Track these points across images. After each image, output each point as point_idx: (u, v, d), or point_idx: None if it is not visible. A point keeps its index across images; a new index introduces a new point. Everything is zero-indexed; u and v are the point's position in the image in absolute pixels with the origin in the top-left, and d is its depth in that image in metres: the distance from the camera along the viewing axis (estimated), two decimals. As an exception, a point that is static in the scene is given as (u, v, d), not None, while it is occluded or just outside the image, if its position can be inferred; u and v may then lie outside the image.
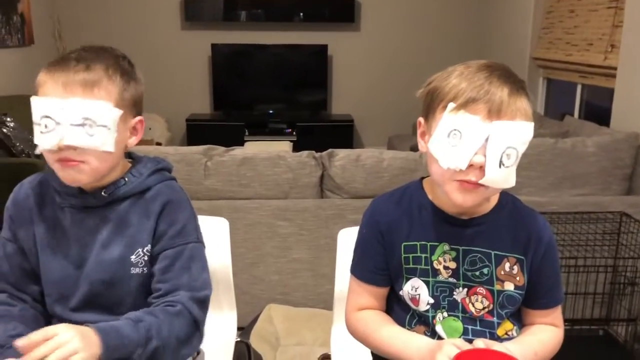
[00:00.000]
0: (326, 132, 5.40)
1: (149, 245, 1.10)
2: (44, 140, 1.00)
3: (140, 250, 1.09)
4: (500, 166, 0.94)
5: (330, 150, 2.46)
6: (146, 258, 1.10)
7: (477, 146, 0.94)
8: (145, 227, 1.10)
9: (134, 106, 1.09)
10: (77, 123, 0.99)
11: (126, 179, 1.10)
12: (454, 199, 0.99)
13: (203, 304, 1.11)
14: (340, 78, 5.73)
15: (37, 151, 1.02)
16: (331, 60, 5.65)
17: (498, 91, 0.94)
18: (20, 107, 4.36)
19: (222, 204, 2.36)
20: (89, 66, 1.02)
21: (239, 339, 1.44)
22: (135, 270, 1.09)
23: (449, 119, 0.96)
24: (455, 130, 0.95)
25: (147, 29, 5.48)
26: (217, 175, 2.37)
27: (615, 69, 3.21)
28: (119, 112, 1.03)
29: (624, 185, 2.54)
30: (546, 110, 4.47)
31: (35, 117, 1.00)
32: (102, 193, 1.09)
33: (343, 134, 5.40)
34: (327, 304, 2.42)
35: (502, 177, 0.95)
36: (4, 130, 3.75)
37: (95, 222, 1.09)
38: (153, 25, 5.50)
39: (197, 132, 5.28)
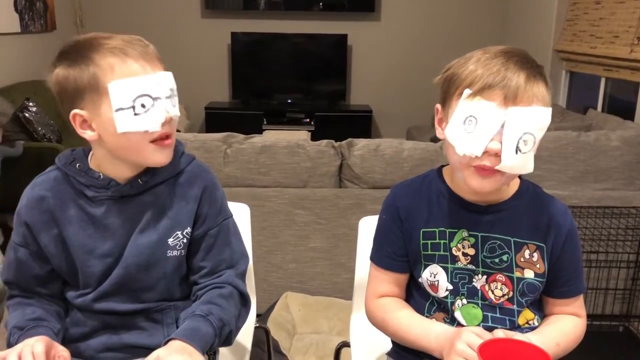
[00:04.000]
0: (344, 123, 5.38)
1: (189, 228, 1.10)
2: (148, 120, 0.97)
3: (179, 232, 1.09)
4: (516, 152, 0.93)
5: (349, 139, 2.45)
6: (185, 240, 1.10)
7: (493, 132, 0.93)
8: (185, 210, 1.10)
9: None
10: (168, 95, 1.00)
11: None
12: (471, 184, 0.99)
13: (244, 275, 1.17)
14: (359, 68, 5.70)
15: (153, 128, 0.98)
16: (350, 50, 5.62)
17: (514, 77, 0.94)
18: (42, 92, 4.41)
19: (240, 192, 2.37)
20: (146, 41, 1.03)
21: (257, 325, 1.44)
22: (173, 253, 1.10)
23: (464, 106, 0.96)
24: (471, 116, 0.95)
25: (168, 17, 5.49)
26: (236, 163, 2.38)
27: (641, 62, 3.15)
28: None
29: (648, 181, 2.50)
30: (568, 104, 4.40)
31: (124, 101, 0.96)
32: (139, 181, 1.07)
33: (361, 125, 5.37)
34: (343, 293, 2.42)
35: (519, 163, 0.95)
36: (27, 114, 3.80)
37: (134, 210, 1.08)
38: (174, 13, 5.51)
39: (215, 120, 5.30)
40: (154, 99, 0.98)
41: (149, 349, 0.99)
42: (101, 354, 1.09)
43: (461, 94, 0.97)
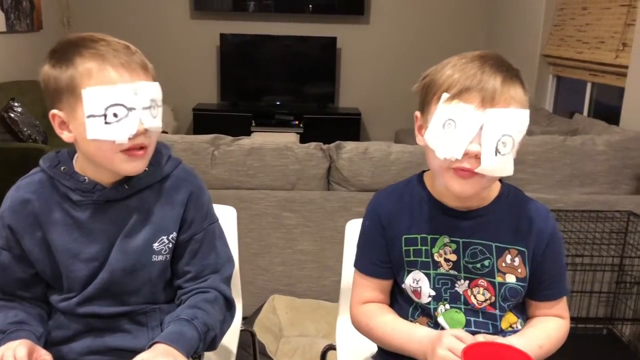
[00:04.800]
0: (333, 125, 5.39)
1: (175, 233, 1.10)
2: (118, 130, 0.95)
3: (164, 237, 1.09)
4: (496, 154, 0.94)
5: (337, 142, 2.45)
6: (170, 245, 1.10)
7: (472, 135, 0.94)
8: (170, 215, 1.09)
9: None
10: (147, 106, 0.98)
11: (146, 168, 1.08)
12: (452, 188, 0.99)
13: (230, 280, 1.17)
14: (348, 71, 5.71)
15: (120, 139, 0.95)
16: (340, 52, 5.63)
17: (491, 80, 0.95)
18: (27, 93, 4.38)
19: (228, 194, 2.36)
20: (134, 49, 1.01)
21: (243, 328, 1.44)
22: (158, 258, 1.09)
23: (443, 109, 0.96)
24: (449, 120, 0.95)
25: (157, 17, 5.47)
26: (224, 165, 2.37)
27: (626, 67, 3.18)
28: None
29: (633, 185, 2.52)
30: (555, 108, 4.44)
31: (96, 108, 0.95)
32: (125, 186, 1.06)
33: (350, 127, 5.38)
34: (330, 296, 2.42)
35: (498, 166, 0.95)
36: (12, 115, 3.76)
37: (119, 214, 1.07)
38: (162, 13, 5.49)
39: (203, 122, 5.28)
40: (129, 109, 0.96)
41: (133, 352, 0.98)
42: (84, 357, 1.08)
43: (439, 98, 0.97)
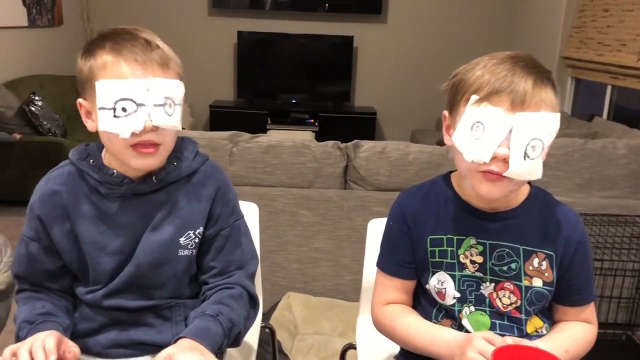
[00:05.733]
0: (348, 124, 5.38)
1: (201, 228, 1.10)
2: (125, 125, 0.95)
3: (191, 232, 1.09)
4: (525, 158, 0.93)
5: (355, 141, 2.44)
6: (197, 240, 1.10)
7: (500, 138, 0.93)
8: (197, 210, 1.10)
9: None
10: (160, 103, 0.97)
11: (175, 163, 1.09)
12: (480, 191, 0.98)
13: (254, 276, 1.18)
14: (365, 70, 5.70)
15: (123, 134, 0.96)
16: (356, 51, 5.62)
17: (522, 82, 0.94)
18: (48, 87, 4.43)
19: (245, 190, 2.36)
20: (157, 45, 1.00)
21: (263, 324, 1.44)
22: (184, 252, 1.09)
23: (471, 112, 0.95)
24: (478, 122, 0.94)
25: (175, 14, 5.50)
26: (242, 162, 2.38)
27: (649, 70, 3.15)
28: (184, 90, 1.03)
29: (654, 190, 2.49)
30: (574, 111, 4.40)
31: (106, 101, 0.95)
32: (153, 179, 1.07)
33: (365, 127, 5.37)
34: (346, 294, 2.41)
35: (527, 169, 0.94)
36: (32, 108, 3.80)
37: (147, 208, 1.07)
38: (180, 10, 5.52)
39: (220, 119, 5.30)
40: (138, 104, 0.95)
41: (157, 346, 0.99)
42: (109, 350, 1.09)
43: (468, 100, 0.96)
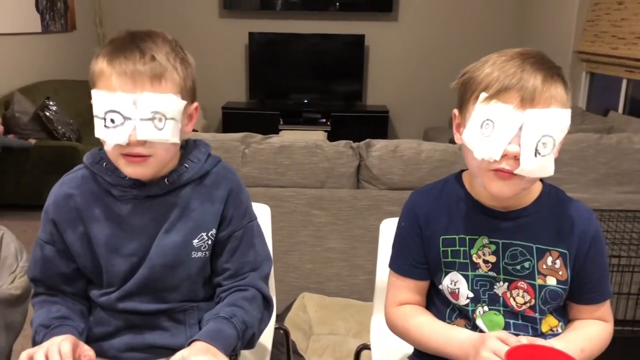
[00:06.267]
0: (361, 123, 5.37)
1: (214, 229, 1.10)
2: (112, 136, 0.97)
3: (204, 234, 1.10)
4: (536, 155, 0.92)
5: (367, 140, 2.44)
6: (209, 242, 1.10)
7: (511, 136, 0.92)
8: (210, 212, 1.10)
9: (192, 92, 1.07)
10: (147, 117, 0.97)
11: (187, 165, 1.09)
12: (491, 189, 0.97)
13: (268, 278, 1.18)
14: (377, 68, 5.69)
15: (107, 147, 1.00)
16: (368, 50, 5.61)
17: (531, 78, 0.93)
18: (62, 92, 4.47)
19: (258, 192, 2.37)
20: (153, 56, 0.98)
21: (277, 326, 1.44)
22: (197, 255, 1.10)
23: (481, 109, 0.95)
24: (488, 120, 0.94)
25: (186, 17, 5.53)
26: (254, 163, 2.38)
27: (664, 63, 3.10)
28: (183, 103, 1.01)
29: (671, 184, 2.46)
30: (588, 106, 4.35)
31: (99, 111, 0.97)
32: (165, 181, 1.07)
33: (378, 125, 5.36)
34: (360, 294, 2.41)
35: (538, 167, 0.93)
36: (47, 113, 3.85)
37: (159, 210, 1.08)
38: (191, 12, 5.55)
39: (232, 120, 5.32)
40: (125, 117, 0.96)
41: (172, 349, 0.99)
42: (124, 354, 1.10)
43: (477, 97, 0.96)
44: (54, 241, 1.09)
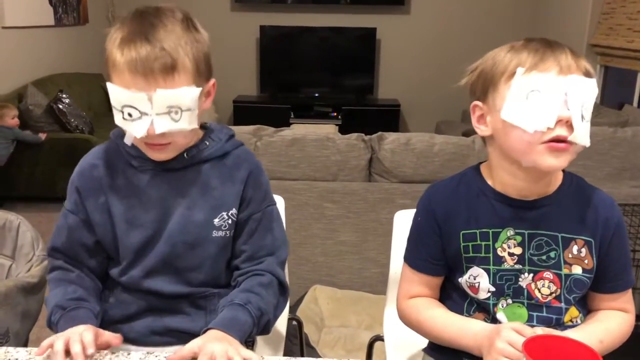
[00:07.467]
0: (372, 117, 5.36)
1: (235, 209, 1.10)
2: (131, 129, 0.98)
3: (224, 213, 1.10)
4: (582, 120, 0.92)
5: (380, 133, 2.43)
6: (230, 222, 1.11)
7: (560, 101, 0.92)
8: (231, 191, 1.10)
9: (207, 71, 1.07)
10: (163, 112, 0.97)
11: (207, 142, 1.10)
12: (545, 164, 0.95)
13: (284, 264, 1.17)
14: (388, 62, 5.66)
15: (127, 140, 1.01)
16: (379, 43, 5.58)
17: (561, 52, 0.94)
18: (74, 85, 4.50)
19: (271, 184, 2.37)
20: (162, 47, 0.96)
21: (290, 316, 1.44)
22: (218, 234, 1.10)
23: (522, 82, 0.94)
24: (533, 90, 0.93)
25: (197, 10, 5.50)
26: (266, 156, 2.38)
27: (681, 56, 3.06)
28: (198, 91, 1.00)
29: (688, 178, 2.43)
30: (602, 99, 4.31)
31: (116, 103, 0.98)
32: (185, 155, 1.08)
33: (389, 119, 5.35)
34: (372, 287, 2.41)
35: (586, 132, 0.93)
36: (60, 106, 3.87)
37: (177, 184, 1.09)
38: (203, 6, 5.55)
39: (243, 114, 5.33)
40: (142, 112, 0.97)
41: (190, 334, 1.00)
42: (144, 338, 1.11)
43: (510, 76, 0.95)
44: (78, 210, 1.11)
